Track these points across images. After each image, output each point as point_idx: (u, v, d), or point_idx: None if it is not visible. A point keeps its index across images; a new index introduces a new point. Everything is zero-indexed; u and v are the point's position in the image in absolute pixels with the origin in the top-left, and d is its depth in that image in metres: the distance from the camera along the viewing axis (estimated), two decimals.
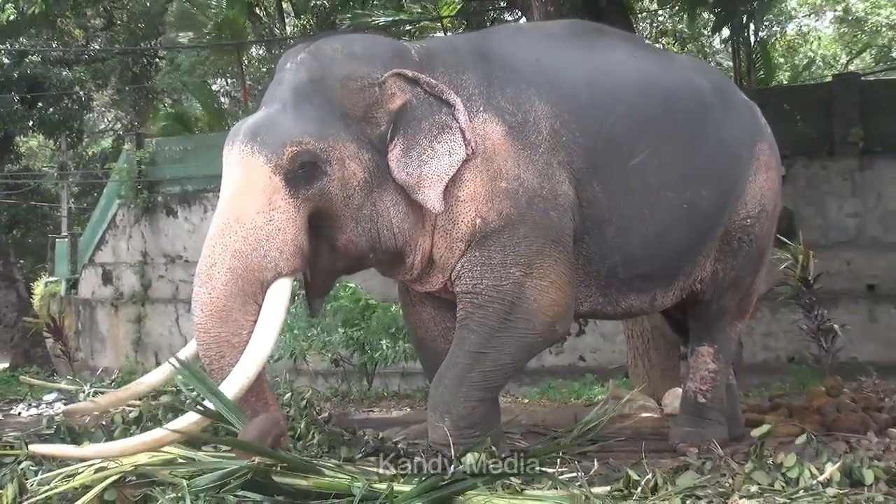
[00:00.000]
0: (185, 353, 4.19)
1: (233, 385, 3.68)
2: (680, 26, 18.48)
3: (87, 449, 3.68)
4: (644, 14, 17.23)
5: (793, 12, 19.38)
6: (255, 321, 3.83)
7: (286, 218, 3.88)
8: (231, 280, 3.80)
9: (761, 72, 14.99)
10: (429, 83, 4.14)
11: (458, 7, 14.38)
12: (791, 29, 20.28)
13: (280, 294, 3.89)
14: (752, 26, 14.40)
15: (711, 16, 15.27)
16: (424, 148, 4.09)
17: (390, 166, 4.10)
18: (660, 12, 18.19)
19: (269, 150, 3.88)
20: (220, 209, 3.95)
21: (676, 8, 14.76)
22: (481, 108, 4.21)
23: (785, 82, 17.35)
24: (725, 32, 15.61)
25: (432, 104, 4.14)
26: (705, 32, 18.62)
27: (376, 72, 4.11)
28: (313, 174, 3.93)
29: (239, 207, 3.88)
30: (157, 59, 20.48)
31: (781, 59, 17.96)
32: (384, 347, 9.04)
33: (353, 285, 9.55)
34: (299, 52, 4.24)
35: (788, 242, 7.83)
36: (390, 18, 14.43)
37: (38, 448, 3.81)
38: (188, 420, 3.70)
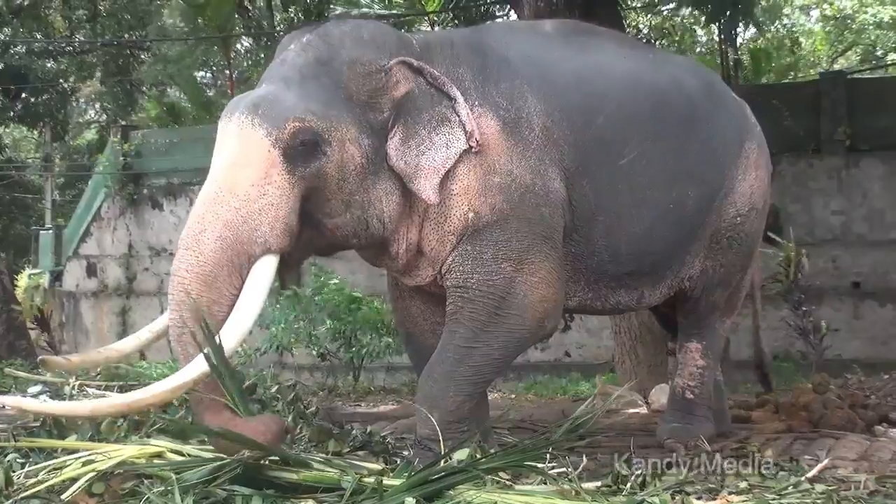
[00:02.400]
0: (159, 323, 4.11)
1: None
2: (667, 23, 18.53)
3: (82, 405, 3.58)
4: (634, 12, 17.25)
5: (784, 8, 19.40)
6: (236, 296, 3.75)
7: (280, 194, 3.83)
8: (220, 248, 3.72)
9: (749, 69, 15.03)
10: (432, 74, 4.13)
11: (444, 1, 14.37)
12: (779, 27, 20.30)
13: (265, 270, 3.82)
14: (740, 24, 14.43)
15: (696, 13, 15.29)
16: (423, 139, 4.07)
17: (389, 154, 4.08)
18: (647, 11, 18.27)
19: (270, 123, 3.83)
20: (213, 178, 3.87)
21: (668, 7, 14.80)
22: (476, 103, 4.19)
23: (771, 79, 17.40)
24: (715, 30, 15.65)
25: (433, 95, 4.12)
26: (696, 30, 18.68)
27: (383, 58, 4.10)
28: (312, 153, 3.89)
29: (234, 178, 3.81)
30: (141, 52, 20.37)
31: (773, 54, 17.99)
32: (369, 342, 9.04)
33: (337, 280, 9.55)
34: (304, 34, 4.21)
35: (780, 240, 7.88)
36: (378, 12, 14.42)
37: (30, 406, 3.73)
38: (193, 371, 3.57)
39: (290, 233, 3.91)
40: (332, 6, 15.39)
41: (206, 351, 3.51)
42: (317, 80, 4.01)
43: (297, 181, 3.89)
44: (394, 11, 15.32)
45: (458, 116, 4.08)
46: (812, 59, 20.65)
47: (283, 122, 3.84)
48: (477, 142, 4.08)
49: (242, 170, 3.83)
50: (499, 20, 14.96)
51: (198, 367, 3.57)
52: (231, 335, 3.66)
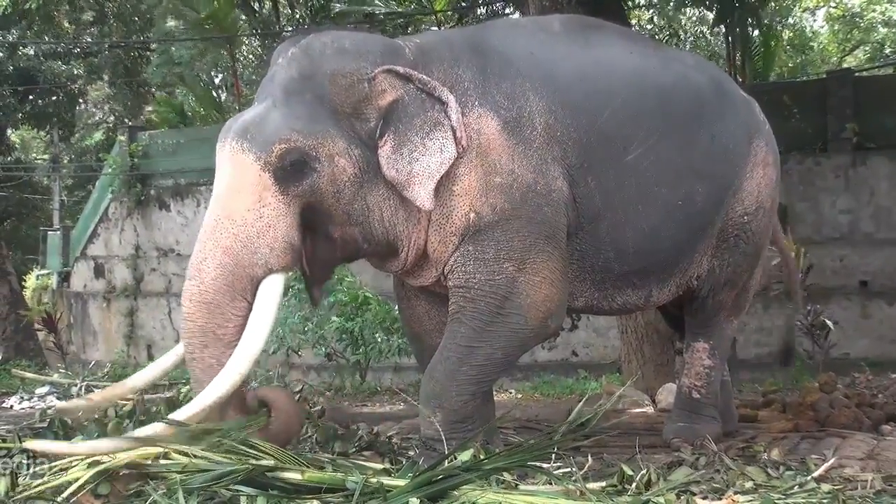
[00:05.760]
0: (177, 351, 4.21)
1: (224, 382, 3.69)
2: (664, 21, 18.50)
3: (80, 446, 3.65)
4: (638, 9, 17.22)
5: (793, 8, 19.35)
6: (244, 317, 3.85)
7: (276, 215, 3.90)
8: (221, 275, 3.83)
9: (759, 64, 14.97)
10: (421, 80, 4.11)
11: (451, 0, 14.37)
12: (789, 24, 20.25)
13: (271, 291, 3.92)
14: (748, 21, 14.38)
15: (706, 11, 15.26)
16: (416, 145, 4.06)
17: (380, 163, 4.07)
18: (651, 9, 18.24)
19: (258, 147, 3.89)
20: (212, 206, 3.97)
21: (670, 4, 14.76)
22: (476, 103, 4.18)
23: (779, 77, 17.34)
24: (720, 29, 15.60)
25: (424, 101, 4.10)
26: (703, 30, 18.63)
27: (366, 67, 4.09)
28: (302, 171, 3.94)
29: (230, 204, 3.91)
30: (149, 53, 20.39)
31: (785, 55, 17.96)
32: (378, 341, 9.04)
33: (350, 278, 9.55)
34: (290, 48, 4.22)
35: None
36: (384, 10, 14.41)
37: (32, 445, 3.76)
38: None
39: (292, 250, 3.98)
40: (336, 5, 15.36)
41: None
42: (301, 97, 4.03)
43: (293, 200, 3.95)
44: (399, 10, 15.29)
45: (450, 120, 4.07)
46: (821, 58, 20.59)
47: (270, 146, 3.90)
48: (463, 147, 4.08)
49: (237, 195, 3.91)
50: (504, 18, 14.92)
51: (211, 394, 3.69)
52: (242, 358, 3.76)
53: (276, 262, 3.91)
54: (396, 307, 5.79)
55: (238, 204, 3.89)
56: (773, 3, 15.69)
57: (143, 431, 3.65)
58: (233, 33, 16.27)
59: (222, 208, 3.92)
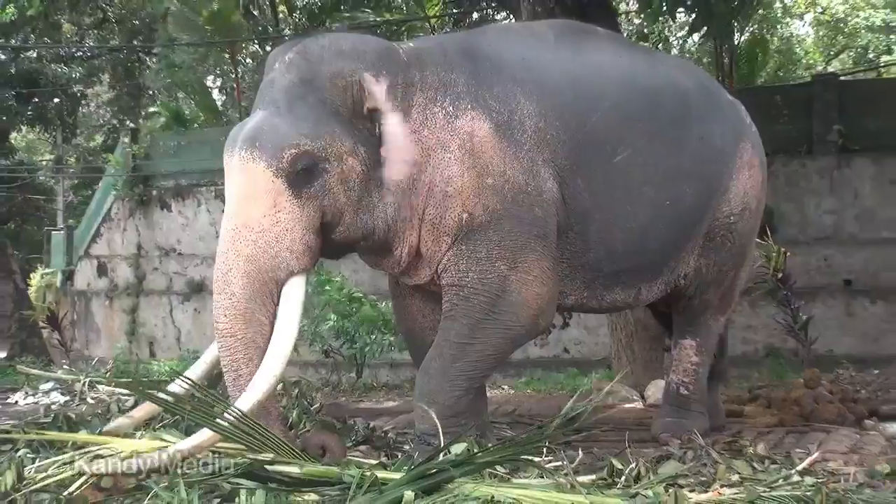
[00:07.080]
0: (211, 353, 4.28)
1: (261, 386, 3.78)
2: (656, 27, 18.51)
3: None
4: (624, 15, 17.24)
5: (778, 14, 19.39)
6: (273, 322, 3.95)
7: (292, 218, 3.99)
8: (248, 283, 3.91)
9: (746, 69, 15.03)
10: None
11: (445, 6, 14.40)
12: (773, 32, 20.30)
13: (294, 293, 4.02)
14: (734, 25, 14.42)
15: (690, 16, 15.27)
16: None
17: (384, 158, 4.19)
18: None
19: (268, 155, 3.96)
20: (228, 216, 4.05)
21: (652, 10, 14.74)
22: (469, 107, 4.27)
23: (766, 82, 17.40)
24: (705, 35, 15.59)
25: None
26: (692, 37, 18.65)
27: (361, 69, 4.17)
28: (314, 173, 4.03)
29: (246, 213, 3.98)
30: (147, 58, 20.41)
31: (772, 61, 18.02)
32: (371, 341, 9.10)
33: (339, 279, 9.63)
34: (287, 52, 4.29)
35: (761, 241, 7.98)
36: (380, 18, 14.46)
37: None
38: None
39: (311, 251, 4.08)
40: (334, 12, 15.42)
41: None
42: (304, 101, 4.12)
43: (306, 202, 4.04)
44: (393, 17, 15.34)
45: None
46: (806, 62, 20.66)
47: (281, 152, 3.97)
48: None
49: (252, 203, 3.99)
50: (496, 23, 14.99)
51: (249, 400, 3.74)
52: (275, 361, 3.85)
53: (296, 264, 4.01)
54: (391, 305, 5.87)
55: (254, 211, 3.97)
56: (760, 11, 15.71)
57: (193, 439, 3.68)
58: (235, 36, 16.30)
59: (238, 217, 4.00)
